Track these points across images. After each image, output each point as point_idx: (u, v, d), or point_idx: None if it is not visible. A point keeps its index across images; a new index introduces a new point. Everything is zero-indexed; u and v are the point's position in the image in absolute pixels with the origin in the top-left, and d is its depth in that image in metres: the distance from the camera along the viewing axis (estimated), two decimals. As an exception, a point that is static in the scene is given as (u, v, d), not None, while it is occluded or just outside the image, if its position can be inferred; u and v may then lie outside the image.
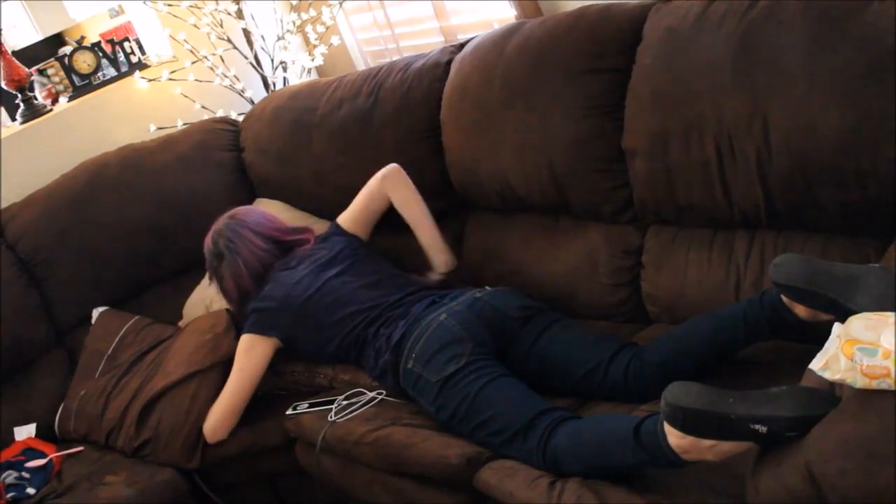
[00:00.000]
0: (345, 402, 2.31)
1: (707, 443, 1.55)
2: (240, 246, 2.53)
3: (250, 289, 2.52)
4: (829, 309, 1.65)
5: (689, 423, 1.55)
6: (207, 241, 2.61)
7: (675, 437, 1.59)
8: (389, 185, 2.60)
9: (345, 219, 2.64)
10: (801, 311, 1.76)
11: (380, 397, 2.29)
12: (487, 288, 2.29)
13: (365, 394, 2.31)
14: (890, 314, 1.40)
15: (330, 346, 2.40)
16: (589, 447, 1.78)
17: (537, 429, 1.85)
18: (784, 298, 1.78)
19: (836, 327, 1.44)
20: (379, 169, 2.69)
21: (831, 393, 1.44)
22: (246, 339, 2.46)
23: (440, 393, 2.03)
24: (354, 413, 2.25)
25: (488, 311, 2.17)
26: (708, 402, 1.53)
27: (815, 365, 1.38)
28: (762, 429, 1.48)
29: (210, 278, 2.64)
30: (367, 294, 2.39)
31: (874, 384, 1.30)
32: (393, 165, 2.60)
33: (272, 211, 2.94)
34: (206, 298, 2.83)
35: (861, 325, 1.40)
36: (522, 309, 2.19)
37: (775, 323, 1.82)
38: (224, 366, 2.52)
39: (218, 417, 2.44)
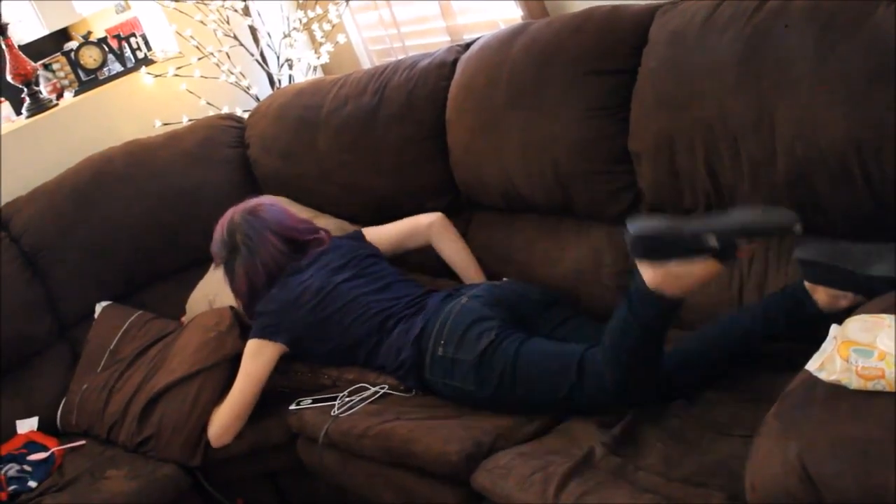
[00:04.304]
0: (348, 399, 2.31)
1: (673, 267, 1.65)
2: (259, 246, 2.49)
3: (262, 288, 2.50)
4: (847, 285, 1.70)
5: (648, 247, 1.66)
6: (221, 231, 2.55)
7: (647, 274, 1.69)
8: (434, 231, 2.59)
9: (373, 235, 2.63)
10: (821, 296, 1.78)
11: (382, 391, 2.29)
12: (505, 279, 2.33)
13: (368, 388, 2.32)
14: (886, 316, 1.41)
15: (339, 350, 2.41)
16: (610, 347, 1.87)
17: (587, 367, 1.91)
18: (806, 284, 1.80)
19: (834, 329, 1.45)
20: (383, 169, 2.70)
21: (789, 212, 1.57)
22: (252, 344, 2.45)
23: (479, 368, 2.05)
24: (358, 408, 2.26)
25: (509, 294, 2.22)
26: (662, 224, 1.65)
27: (812, 366, 1.39)
28: (713, 239, 1.58)
29: (216, 266, 2.61)
30: (377, 296, 2.39)
31: (869, 385, 1.31)
32: (436, 219, 2.59)
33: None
34: (209, 294, 2.84)
35: (857, 327, 1.42)
36: (543, 295, 2.24)
37: (794, 314, 1.84)
38: (228, 364, 2.52)
39: (223, 422, 2.43)
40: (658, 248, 1.66)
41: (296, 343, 2.44)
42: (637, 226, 1.68)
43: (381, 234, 2.64)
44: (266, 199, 2.63)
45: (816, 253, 1.75)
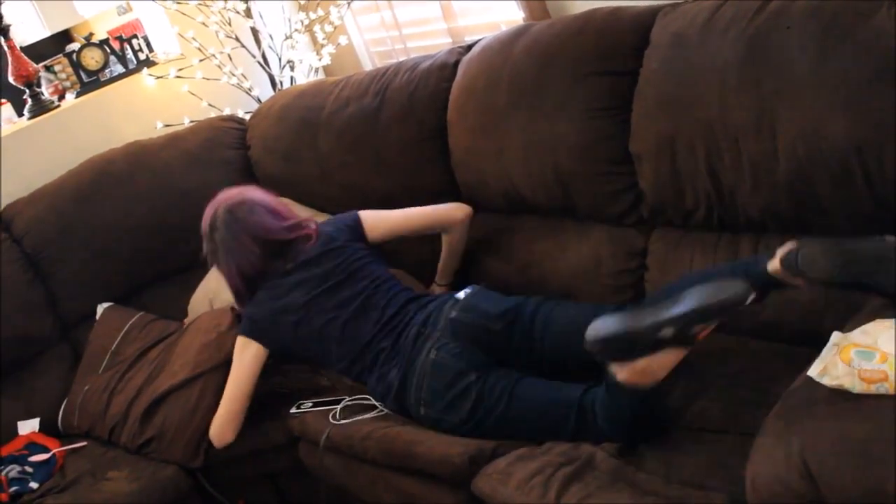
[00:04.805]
0: (350, 403, 2.31)
1: (640, 363, 1.64)
2: (236, 250, 2.42)
3: (242, 291, 2.46)
4: (853, 289, 1.65)
5: (610, 350, 1.65)
6: (204, 224, 2.49)
7: (617, 373, 1.68)
8: (460, 228, 2.56)
9: (379, 224, 2.53)
10: (798, 282, 1.74)
11: (386, 411, 2.27)
12: (459, 297, 2.22)
13: (371, 401, 2.30)
14: (886, 320, 1.41)
15: (323, 363, 2.43)
16: (607, 421, 1.83)
17: (587, 413, 1.88)
18: (782, 276, 1.74)
19: (835, 336, 1.45)
20: (384, 170, 2.70)
21: (740, 283, 1.54)
22: (239, 341, 2.44)
23: (471, 428, 2.03)
24: (358, 419, 2.25)
25: (469, 329, 2.13)
26: (617, 326, 1.62)
27: (813, 371, 1.39)
28: (668, 331, 1.57)
29: (204, 257, 2.55)
30: (358, 319, 2.31)
31: (872, 388, 1.31)
32: (469, 210, 2.55)
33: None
34: (209, 292, 2.84)
35: (858, 331, 1.42)
36: (500, 317, 2.13)
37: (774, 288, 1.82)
38: (228, 366, 2.52)
39: (222, 422, 2.42)
40: (619, 350, 1.66)
41: (279, 350, 2.43)
42: (594, 331, 1.67)
43: (393, 223, 2.54)
44: (250, 194, 2.51)
45: (827, 268, 1.66)
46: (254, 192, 2.54)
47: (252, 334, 2.42)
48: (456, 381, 2.06)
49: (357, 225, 2.52)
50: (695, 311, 1.57)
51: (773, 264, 1.76)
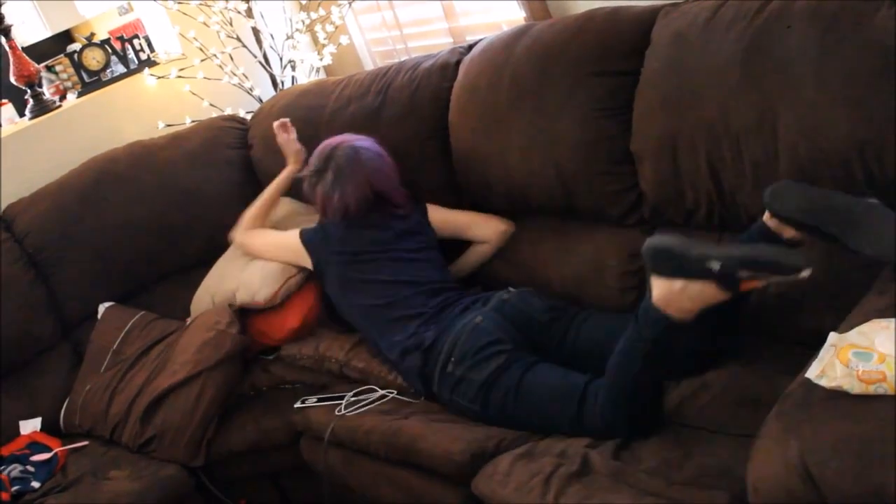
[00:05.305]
0: (353, 399, 2.31)
1: (677, 285, 1.67)
2: (347, 185, 2.50)
3: (331, 220, 2.55)
4: (824, 240, 1.70)
5: (657, 260, 1.70)
6: (322, 150, 2.57)
7: (655, 287, 1.72)
8: (497, 241, 2.60)
9: (437, 216, 2.63)
10: (789, 233, 1.78)
11: (391, 395, 2.29)
12: (511, 290, 2.31)
13: (375, 391, 2.32)
14: (883, 320, 1.41)
15: (350, 314, 2.46)
16: (611, 385, 1.86)
17: (588, 400, 1.90)
18: (771, 224, 1.79)
19: (832, 336, 1.45)
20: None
21: (804, 256, 1.57)
22: (297, 234, 2.59)
23: (486, 390, 2.07)
24: (364, 409, 2.27)
25: (516, 312, 2.21)
26: (673, 242, 1.68)
27: (812, 373, 1.39)
28: (716, 265, 1.60)
29: (304, 178, 2.64)
30: (405, 288, 2.39)
31: (871, 389, 1.31)
32: (512, 225, 2.60)
33: (278, 207, 2.94)
34: (210, 288, 2.84)
35: (855, 331, 1.42)
36: (547, 311, 2.22)
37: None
38: (229, 362, 2.54)
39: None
40: (665, 262, 1.69)
41: (318, 266, 2.53)
42: (651, 240, 1.73)
43: (446, 217, 2.63)
44: (378, 149, 2.59)
45: (793, 206, 1.73)
46: (380, 149, 2.60)
47: (310, 245, 2.56)
48: (490, 345, 2.11)
49: (426, 215, 2.61)
50: (747, 257, 1.60)
51: (765, 214, 1.81)
